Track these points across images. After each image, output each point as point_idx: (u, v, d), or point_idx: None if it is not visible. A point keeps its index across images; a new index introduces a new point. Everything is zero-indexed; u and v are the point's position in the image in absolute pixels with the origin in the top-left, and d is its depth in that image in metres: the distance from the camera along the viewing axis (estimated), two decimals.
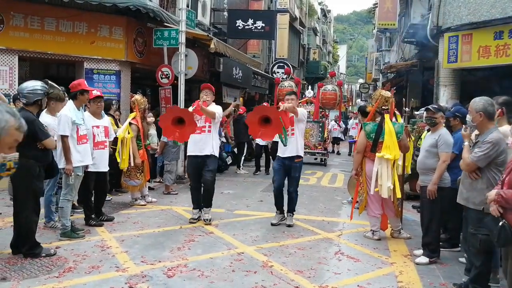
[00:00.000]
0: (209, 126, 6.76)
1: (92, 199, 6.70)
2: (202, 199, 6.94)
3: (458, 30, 10.94)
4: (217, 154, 6.88)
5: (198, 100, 6.69)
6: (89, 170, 6.24)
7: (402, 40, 17.28)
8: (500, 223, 3.43)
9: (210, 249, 5.59)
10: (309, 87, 16.92)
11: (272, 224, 6.77)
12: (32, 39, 9.15)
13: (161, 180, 9.73)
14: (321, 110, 14.87)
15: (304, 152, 14.23)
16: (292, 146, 6.58)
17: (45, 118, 5.89)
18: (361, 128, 6.45)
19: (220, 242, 5.89)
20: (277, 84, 14.74)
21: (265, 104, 14.35)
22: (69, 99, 5.94)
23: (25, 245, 5.01)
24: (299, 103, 14.24)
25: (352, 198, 8.39)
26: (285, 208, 7.03)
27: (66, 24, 9.51)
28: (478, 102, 4.31)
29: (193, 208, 7.03)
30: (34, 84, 5.12)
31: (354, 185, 8.21)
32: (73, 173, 5.70)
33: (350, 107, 40.80)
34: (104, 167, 6.66)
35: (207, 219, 6.79)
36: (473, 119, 4.34)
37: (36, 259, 4.93)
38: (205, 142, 6.74)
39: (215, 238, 6.05)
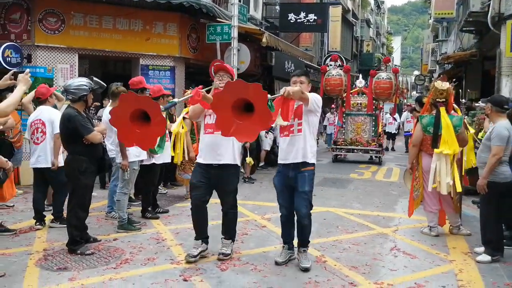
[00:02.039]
0: None
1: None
2: (223, 227, 5.11)
3: None
4: (239, 163, 5.03)
5: (200, 87, 4.66)
6: (152, 162, 6.52)
7: (460, 30, 16.54)
8: None
9: (263, 243, 5.59)
10: (360, 75, 16.08)
11: (277, 263, 4.82)
12: (91, 38, 9.50)
13: None
14: (374, 101, 13.68)
15: (356, 149, 13.63)
16: (298, 148, 4.53)
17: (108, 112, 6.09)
18: (417, 120, 6.21)
19: (273, 236, 5.87)
20: (323, 73, 13.75)
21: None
22: None
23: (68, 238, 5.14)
24: (350, 93, 13.77)
25: None
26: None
27: (122, 22, 9.80)
28: None
29: (196, 238, 5.00)
30: (80, 81, 5.26)
31: (410, 179, 8.00)
32: (129, 168, 5.86)
33: (405, 100, 39.58)
34: (168, 158, 7.13)
35: (225, 254, 4.95)
36: None
37: (97, 251, 5.10)
38: (221, 146, 4.75)
39: (268, 232, 6.04)
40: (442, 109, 5.86)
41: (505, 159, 5.07)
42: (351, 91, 13.88)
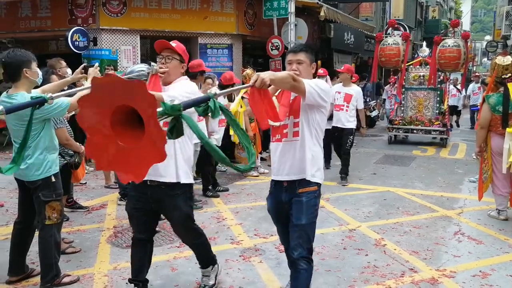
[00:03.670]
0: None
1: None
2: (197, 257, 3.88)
3: None
4: (188, 179, 3.43)
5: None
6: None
7: None
8: None
9: (321, 224, 5.55)
10: (424, 43, 14.17)
11: None
12: (151, 19, 9.71)
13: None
14: (439, 73, 11.84)
15: (416, 129, 11.71)
16: (293, 159, 3.12)
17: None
18: (483, 101, 5.84)
19: (331, 217, 5.86)
20: (378, 41, 11.98)
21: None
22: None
23: None
24: (411, 64, 12.51)
25: None
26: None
27: (180, 1, 9.92)
28: None
29: (129, 280, 3.65)
30: (140, 66, 5.41)
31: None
32: None
33: (474, 67, 37.43)
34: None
35: (207, 286, 3.81)
36: None
37: (162, 230, 5.32)
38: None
39: (326, 213, 6.02)
40: (510, 85, 5.51)
41: None
42: (411, 62, 12.69)
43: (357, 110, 7.83)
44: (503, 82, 5.57)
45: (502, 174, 5.62)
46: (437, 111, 11.75)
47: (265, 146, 9.71)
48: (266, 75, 2.57)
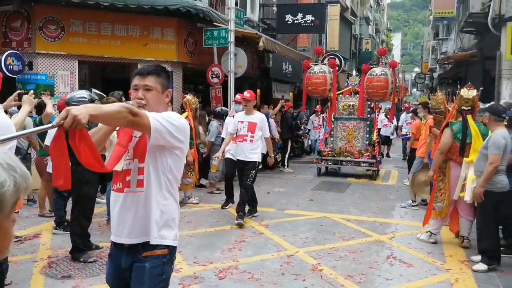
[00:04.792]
0: None
1: None
2: None
3: None
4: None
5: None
6: None
7: (460, 30, 16.56)
8: None
9: (260, 250, 5.66)
10: (354, 72, 13.89)
11: None
12: (90, 44, 9.56)
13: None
14: (369, 102, 11.48)
15: (345, 161, 11.07)
16: (136, 216, 2.40)
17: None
18: (445, 126, 5.97)
19: (270, 243, 5.95)
20: (306, 68, 11.49)
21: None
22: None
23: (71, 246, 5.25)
24: (341, 93, 12.08)
25: (412, 201, 8.18)
26: None
27: (120, 28, 9.86)
28: None
29: None
30: (81, 93, 5.39)
31: (419, 186, 7.93)
32: None
33: (403, 98, 39.36)
34: None
35: None
36: None
37: (99, 259, 5.18)
38: None
39: (265, 239, 6.11)
40: (469, 117, 5.76)
41: (502, 168, 5.10)
42: (341, 91, 12.39)
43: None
44: (462, 113, 5.80)
45: (463, 200, 5.73)
46: (367, 142, 11.37)
47: (205, 174, 9.72)
48: (83, 111, 1.83)
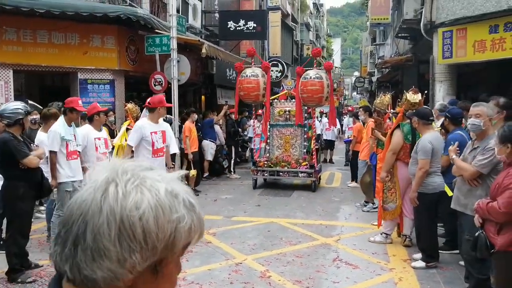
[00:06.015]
0: None
1: None
2: None
3: (452, 25, 10.87)
4: None
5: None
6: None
7: (396, 35, 17.25)
8: (477, 233, 3.50)
9: (208, 260, 5.61)
10: (289, 75, 12.60)
11: None
12: (26, 53, 9.13)
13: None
14: (305, 107, 10.48)
15: (282, 171, 10.11)
16: None
17: (40, 136, 5.95)
18: (395, 127, 6.09)
19: (218, 252, 5.92)
20: (239, 71, 10.55)
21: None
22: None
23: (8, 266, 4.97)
24: (276, 98, 11.38)
25: (365, 201, 8.37)
26: None
27: (58, 36, 9.49)
28: (488, 107, 4.29)
29: None
30: (15, 105, 5.16)
31: (367, 186, 8.05)
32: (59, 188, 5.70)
33: (346, 100, 40.37)
34: None
35: None
36: (484, 123, 4.20)
37: (39, 278, 4.94)
38: None
39: (213, 248, 6.06)
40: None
41: (433, 170, 5.30)
42: (276, 96, 11.86)
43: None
44: (409, 117, 5.91)
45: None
46: (305, 150, 10.51)
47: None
48: None
